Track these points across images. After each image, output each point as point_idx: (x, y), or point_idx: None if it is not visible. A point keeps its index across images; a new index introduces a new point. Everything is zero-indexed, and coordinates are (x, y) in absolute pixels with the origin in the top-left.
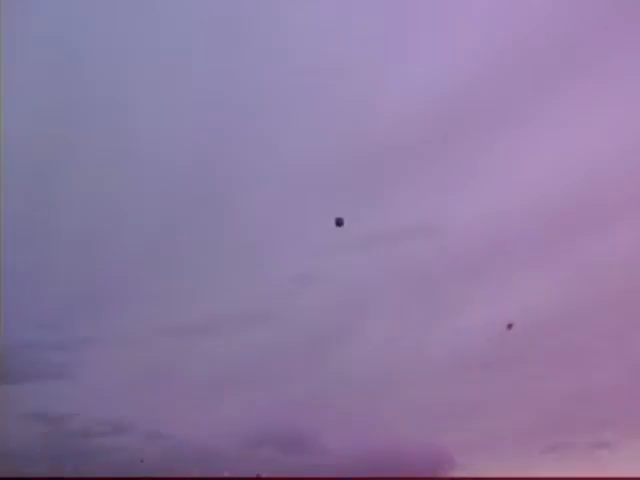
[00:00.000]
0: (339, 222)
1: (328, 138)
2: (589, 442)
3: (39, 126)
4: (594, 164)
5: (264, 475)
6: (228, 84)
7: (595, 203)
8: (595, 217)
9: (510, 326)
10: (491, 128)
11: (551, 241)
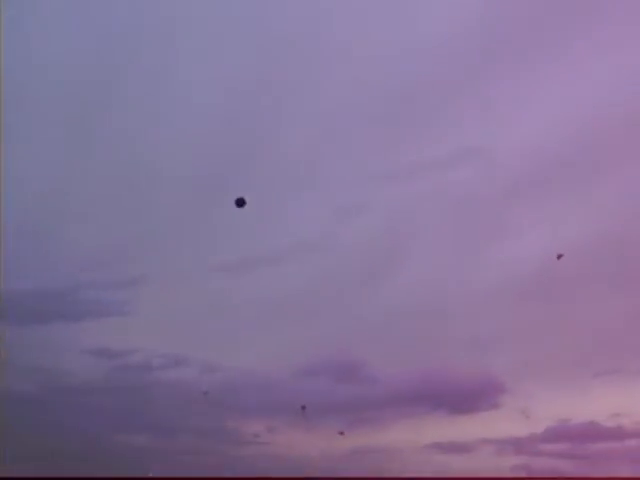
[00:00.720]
0: (240, 202)
1: (372, 71)
2: None
3: (78, 72)
4: (636, 95)
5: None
6: (266, 32)
7: None
8: None
9: (560, 256)
10: (532, 57)
11: (601, 167)
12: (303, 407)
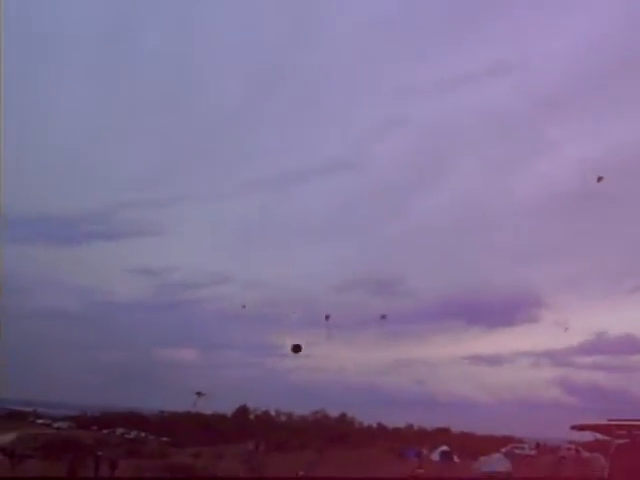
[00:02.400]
0: (296, 349)
1: None
2: None
3: None
4: None
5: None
6: None
7: None
8: None
9: (600, 179)
10: None
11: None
12: (327, 317)
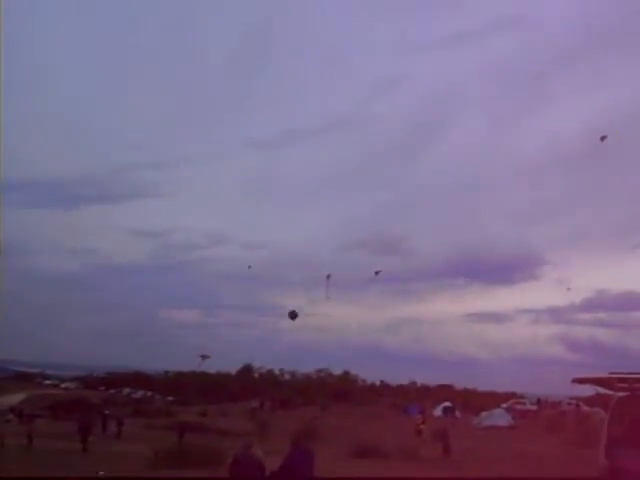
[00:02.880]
0: (292, 315)
1: None
2: None
3: None
4: None
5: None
6: None
7: None
8: None
9: (603, 138)
10: None
11: None
12: (328, 276)
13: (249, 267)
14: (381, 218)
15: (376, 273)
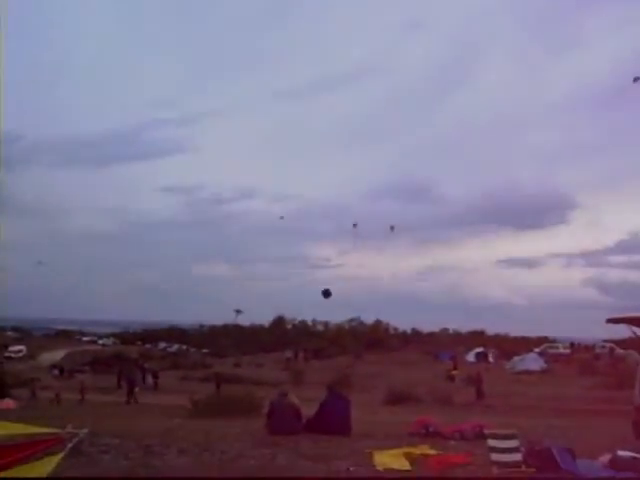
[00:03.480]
0: (326, 293)
1: None
2: None
3: None
4: None
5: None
6: None
7: None
8: None
9: (637, 79)
10: None
11: None
12: (354, 225)
13: (281, 217)
14: (409, 165)
15: (391, 228)
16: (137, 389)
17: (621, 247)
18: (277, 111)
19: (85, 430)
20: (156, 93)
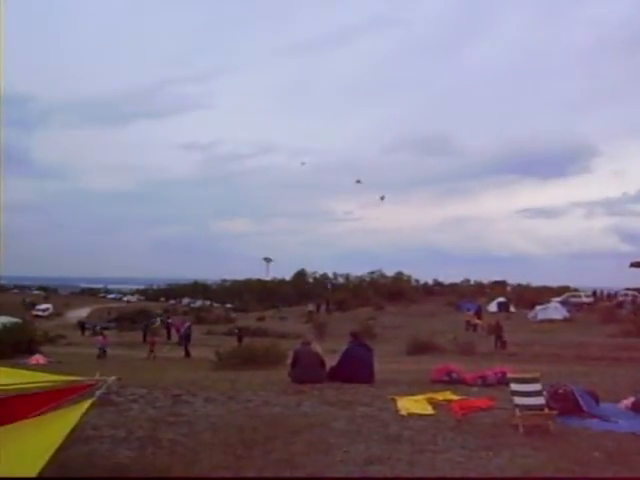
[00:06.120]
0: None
1: None
2: None
3: None
4: None
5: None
6: None
7: None
8: None
9: None
10: None
11: None
12: (358, 181)
13: (303, 163)
14: (428, 117)
15: (381, 198)
16: (158, 345)
17: None
18: (292, 65)
19: (114, 377)
20: (171, 51)
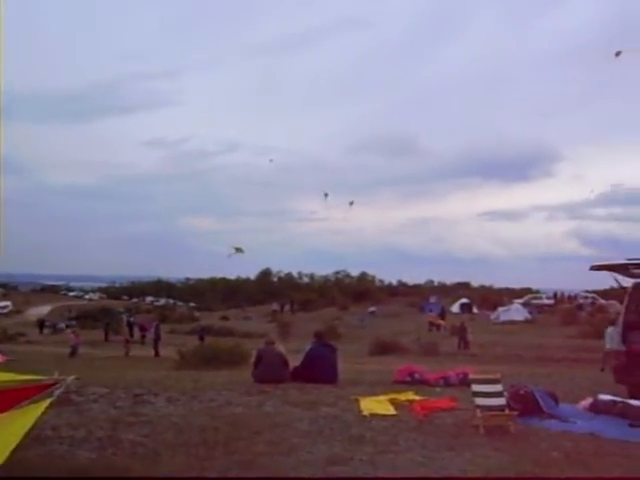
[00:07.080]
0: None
1: None
2: None
3: None
4: None
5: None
6: None
7: None
8: None
9: (618, 53)
10: None
11: None
12: (326, 194)
13: (270, 160)
14: (394, 119)
15: (350, 204)
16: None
17: (603, 199)
18: (260, 64)
19: (72, 377)
20: (137, 46)
